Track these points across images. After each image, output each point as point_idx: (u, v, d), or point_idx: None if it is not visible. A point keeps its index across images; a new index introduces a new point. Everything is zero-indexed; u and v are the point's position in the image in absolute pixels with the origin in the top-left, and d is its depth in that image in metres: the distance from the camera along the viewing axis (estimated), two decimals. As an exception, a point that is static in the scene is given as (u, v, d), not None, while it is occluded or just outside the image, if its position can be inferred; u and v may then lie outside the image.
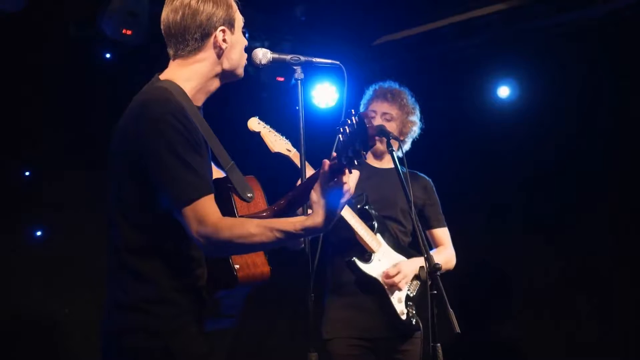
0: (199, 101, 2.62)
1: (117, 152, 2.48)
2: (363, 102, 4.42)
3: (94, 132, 5.02)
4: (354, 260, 3.97)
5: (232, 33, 2.62)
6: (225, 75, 2.64)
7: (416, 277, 4.05)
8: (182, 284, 2.44)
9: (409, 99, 4.38)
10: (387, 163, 4.32)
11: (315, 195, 2.33)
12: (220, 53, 2.59)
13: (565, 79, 6.34)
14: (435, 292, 3.21)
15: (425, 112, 4.50)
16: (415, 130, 4.36)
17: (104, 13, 5.42)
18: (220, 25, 2.58)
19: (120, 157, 2.46)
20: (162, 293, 2.40)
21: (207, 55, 2.58)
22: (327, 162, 2.31)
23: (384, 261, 4.00)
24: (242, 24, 2.68)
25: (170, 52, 2.61)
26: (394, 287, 3.93)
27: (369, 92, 4.44)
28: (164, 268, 2.41)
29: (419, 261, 3.80)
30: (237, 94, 6.51)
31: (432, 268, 3.19)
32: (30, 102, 5.72)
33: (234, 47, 2.62)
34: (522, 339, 6.63)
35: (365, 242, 3.96)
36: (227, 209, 2.49)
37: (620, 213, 6.19)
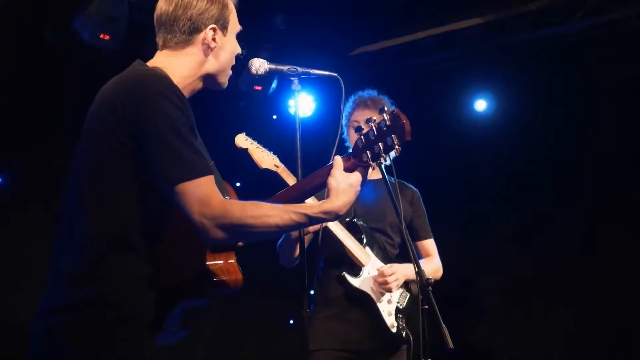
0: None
1: (97, 132, 2.27)
2: (344, 114, 4.38)
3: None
4: (344, 275, 3.92)
5: (224, 35, 2.54)
6: (209, 79, 2.55)
7: (407, 288, 4.03)
8: (141, 285, 2.22)
9: (389, 105, 4.36)
10: (375, 174, 4.28)
11: (333, 181, 2.33)
12: (207, 52, 2.51)
13: (541, 93, 6.43)
14: (427, 307, 3.19)
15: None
16: None
17: (81, 17, 5.30)
18: (212, 23, 2.51)
19: (101, 137, 2.24)
20: (110, 294, 2.17)
21: (194, 51, 2.49)
22: (340, 160, 2.37)
23: (373, 274, 3.97)
24: (238, 30, 2.61)
25: (159, 42, 2.52)
26: (385, 286, 3.89)
27: (349, 104, 4.40)
28: (125, 266, 2.20)
29: (412, 267, 3.80)
30: (214, 103, 6.46)
31: (424, 283, 3.17)
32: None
33: (223, 49, 2.55)
34: (500, 344, 6.69)
35: (354, 256, 3.92)
36: None
37: (596, 223, 6.33)
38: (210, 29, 2.50)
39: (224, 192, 2.41)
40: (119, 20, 5.38)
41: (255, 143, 3.75)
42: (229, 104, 6.58)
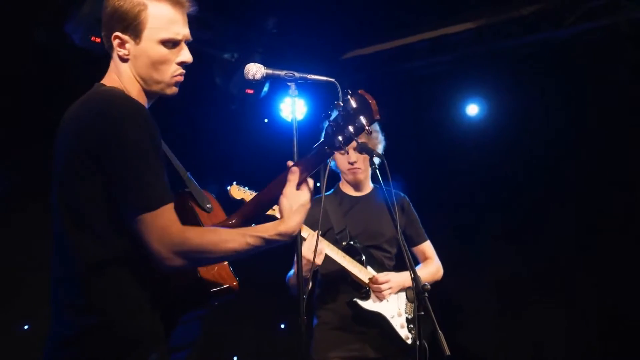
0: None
1: (67, 161, 2.21)
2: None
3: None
4: (355, 302, 3.95)
5: (136, 43, 2.31)
6: (147, 91, 2.37)
7: (408, 297, 4.06)
8: (141, 308, 2.20)
9: (373, 126, 4.32)
10: (366, 189, 4.30)
11: (285, 201, 2.29)
12: (125, 62, 2.32)
13: (532, 98, 6.45)
14: (423, 313, 3.20)
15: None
16: (381, 145, 4.31)
17: (73, 19, 5.26)
18: (117, 31, 2.29)
19: (73, 166, 2.19)
20: (110, 317, 2.15)
21: (118, 62, 2.34)
22: (291, 163, 2.33)
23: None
24: (170, 36, 2.34)
25: None
26: (378, 294, 3.90)
27: None
28: (121, 290, 2.17)
29: (405, 276, 3.90)
30: (205, 106, 6.43)
31: (420, 289, 3.18)
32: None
33: (138, 58, 2.32)
34: (492, 346, 6.71)
35: (359, 278, 3.97)
36: (190, 219, 2.36)
37: (588, 225, 6.37)
38: (113, 37, 2.31)
39: (204, 202, 2.41)
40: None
41: (249, 190, 3.80)
42: (220, 107, 6.56)
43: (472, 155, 6.73)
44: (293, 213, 2.28)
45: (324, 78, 2.89)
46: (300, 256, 2.77)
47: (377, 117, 2.26)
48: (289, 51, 6.80)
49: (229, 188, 3.79)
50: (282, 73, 2.83)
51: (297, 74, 2.84)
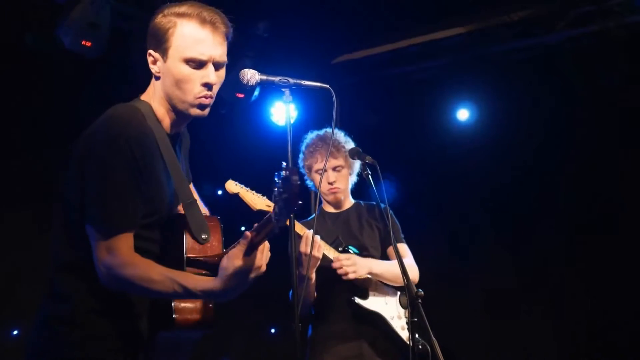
0: (170, 128, 2.44)
1: (74, 159, 2.32)
2: (305, 162, 4.19)
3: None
4: (354, 300, 3.93)
5: (164, 61, 2.35)
6: (175, 109, 2.41)
7: (401, 303, 4.06)
8: (114, 309, 2.29)
9: (345, 141, 4.27)
10: (346, 206, 4.29)
11: (225, 262, 2.17)
12: (157, 79, 2.41)
13: (523, 102, 6.47)
14: (416, 319, 3.20)
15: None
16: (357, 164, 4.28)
17: (63, 23, 5.23)
18: (150, 48, 2.38)
19: (70, 175, 2.32)
20: (82, 315, 2.26)
21: (153, 79, 2.43)
22: (249, 234, 2.17)
23: (377, 293, 4.01)
24: (192, 56, 2.34)
25: None
26: (340, 270, 3.81)
27: (307, 151, 4.27)
28: (93, 287, 2.24)
29: (374, 261, 3.92)
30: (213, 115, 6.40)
31: (414, 295, 3.19)
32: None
33: (166, 76, 2.36)
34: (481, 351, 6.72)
35: (358, 280, 3.95)
36: (174, 246, 2.35)
37: (578, 231, 6.38)
38: (148, 54, 2.39)
39: (200, 232, 2.36)
40: (101, 27, 5.30)
41: (245, 187, 3.81)
42: (210, 110, 6.52)
43: (462, 160, 6.74)
44: (227, 276, 2.14)
45: (319, 84, 2.89)
46: (294, 262, 2.75)
47: (295, 205, 1.97)
48: (279, 55, 6.78)
49: (226, 183, 3.82)
50: (277, 79, 2.82)
51: (291, 80, 2.83)
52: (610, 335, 6.14)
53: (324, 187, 4.14)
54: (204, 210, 2.65)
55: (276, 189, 1.99)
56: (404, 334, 3.95)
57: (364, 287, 3.98)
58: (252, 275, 2.19)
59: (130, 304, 2.33)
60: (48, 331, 2.27)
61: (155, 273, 2.19)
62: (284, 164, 2.02)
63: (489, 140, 6.63)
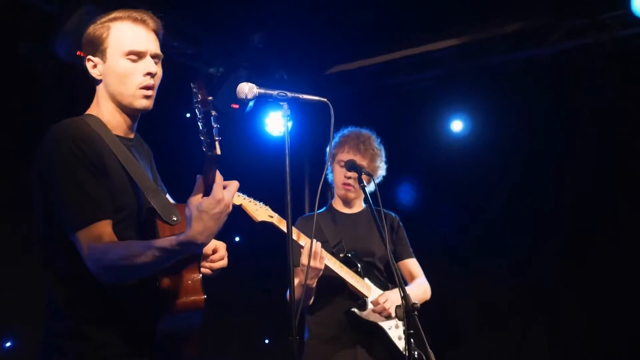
0: (119, 129, 2.52)
1: (32, 181, 2.41)
2: (332, 150, 4.26)
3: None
4: (353, 311, 3.97)
5: (104, 61, 2.49)
6: (123, 107, 2.52)
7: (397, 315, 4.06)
8: (110, 315, 2.33)
9: (377, 146, 4.32)
10: (357, 208, 4.31)
11: (187, 210, 2.16)
12: (98, 83, 2.52)
13: (516, 114, 6.49)
14: (413, 331, 3.21)
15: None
16: (382, 172, 4.33)
17: (59, 33, 5.22)
18: (88, 54, 2.51)
19: (33, 186, 2.40)
20: (76, 326, 2.30)
21: (95, 86, 2.54)
22: (199, 177, 2.19)
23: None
24: (129, 49, 2.47)
25: None
26: (385, 313, 3.89)
27: (337, 140, 4.31)
28: (82, 298, 2.31)
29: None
30: (190, 120, 6.40)
31: (410, 308, 3.21)
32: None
33: (108, 76, 2.50)
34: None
35: (356, 289, 3.98)
36: (150, 233, 2.38)
37: (573, 243, 6.39)
38: (87, 60, 2.51)
39: (171, 214, 2.38)
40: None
41: (247, 197, 3.77)
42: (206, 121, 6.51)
43: (456, 171, 6.75)
44: (194, 219, 2.12)
45: (317, 98, 2.91)
46: (292, 267, 2.75)
47: (206, 108, 2.05)
48: (274, 66, 6.80)
49: None
50: (275, 93, 2.83)
51: (289, 94, 2.85)
52: (607, 347, 6.14)
53: (339, 180, 4.15)
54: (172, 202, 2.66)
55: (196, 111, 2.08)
56: (401, 344, 3.98)
57: (363, 296, 3.98)
58: (217, 210, 2.12)
59: (126, 305, 2.36)
60: (54, 348, 2.33)
61: (134, 248, 2.20)
62: (192, 84, 2.09)
63: (483, 151, 6.64)
